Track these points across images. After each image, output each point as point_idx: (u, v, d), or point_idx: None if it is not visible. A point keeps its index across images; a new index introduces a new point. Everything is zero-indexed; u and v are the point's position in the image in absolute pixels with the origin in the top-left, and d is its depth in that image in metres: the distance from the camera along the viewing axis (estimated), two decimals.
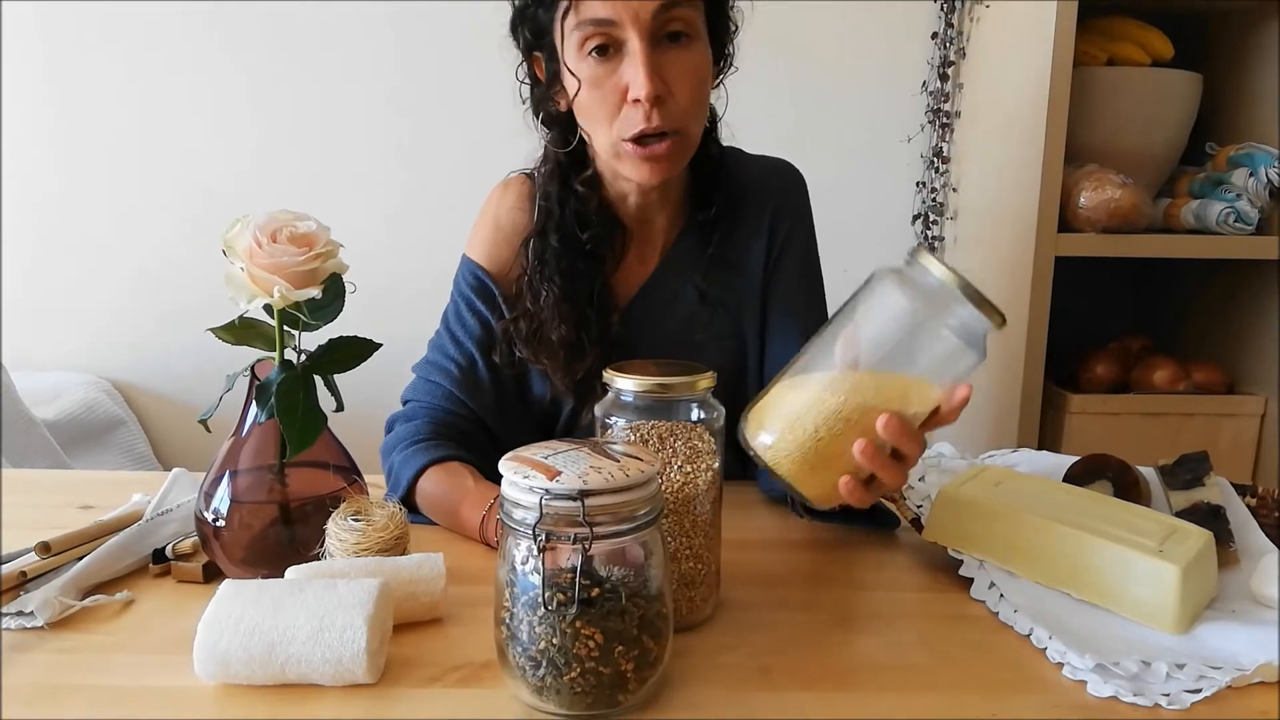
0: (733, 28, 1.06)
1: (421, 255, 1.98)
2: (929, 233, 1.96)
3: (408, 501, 0.99)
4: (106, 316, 2.05)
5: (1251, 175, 1.58)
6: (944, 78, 1.88)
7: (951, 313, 0.72)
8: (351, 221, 1.97)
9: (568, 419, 1.11)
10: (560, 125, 1.05)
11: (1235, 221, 1.57)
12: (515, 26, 1.02)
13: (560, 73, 0.99)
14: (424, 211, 2.01)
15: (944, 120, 1.89)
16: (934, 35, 1.89)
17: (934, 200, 1.94)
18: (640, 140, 0.96)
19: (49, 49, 1.96)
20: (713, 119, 1.09)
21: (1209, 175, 1.67)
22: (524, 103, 1.07)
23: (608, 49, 0.94)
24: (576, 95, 0.98)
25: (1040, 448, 1.63)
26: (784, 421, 0.75)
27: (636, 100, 0.93)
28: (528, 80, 1.06)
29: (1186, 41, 1.70)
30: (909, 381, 0.75)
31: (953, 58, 1.86)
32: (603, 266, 1.09)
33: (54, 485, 1.14)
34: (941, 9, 1.86)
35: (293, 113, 1.98)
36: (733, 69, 1.08)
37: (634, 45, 0.92)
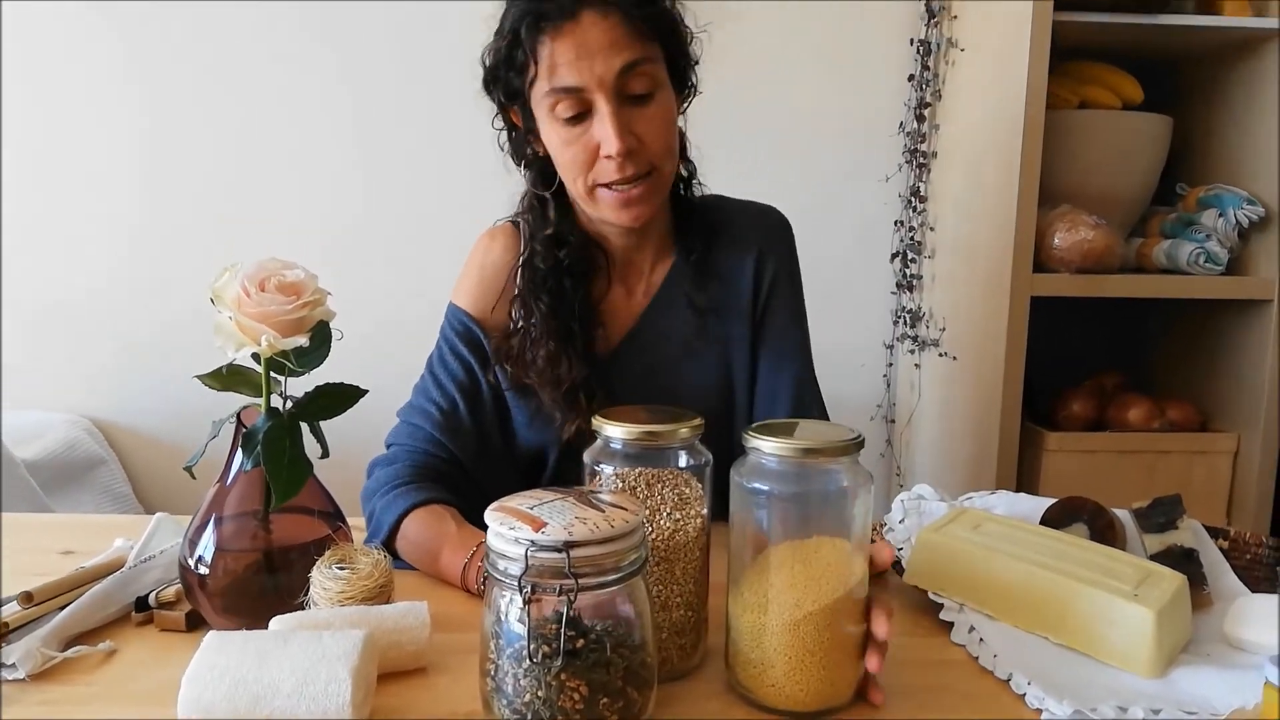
0: (695, 61, 1.10)
1: (403, 297, 1.99)
2: (907, 270, 1.99)
3: (389, 546, 0.99)
4: (86, 354, 2.04)
5: (1221, 216, 1.62)
6: (920, 119, 1.92)
7: (812, 476, 0.71)
8: (331, 261, 1.99)
9: (554, 468, 1.13)
10: (539, 168, 1.10)
11: (1205, 262, 1.60)
12: (489, 86, 1.07)
13: (535, 126, 1.04)
14: (400, 253, 2.02)
15: (921, 160, 1.93)
16: (910, 78, 1.93)
17: (912, 239, 1.97)
18: (614, 186, 1.01)
19: (28, 81, 1.96)
20: (683, 144, 1.13)
21: (1179, 215, 1.70)
22: (503, 148, 1.12)
23: (579, 114, 0.99)
24: (555, 154, 1.03)
25: (1018, 485, 1.66)
26: (781, 667, 0.70)
27: (608, 156, 0.98)
28: (504, 127, 1.11)
29: (1156, 85, 1.74)
30: (835, 546, 0.71)
31: (929, 100, 1.90)
32: (584, 283, 1.12)
33: (34, 529, 1.14)
34: (918, 52, 1.90)
35: (274, 152, 1.99)
36: (698, 93, 1.12)
37: (602, 107, 0.98)
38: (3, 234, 1.99)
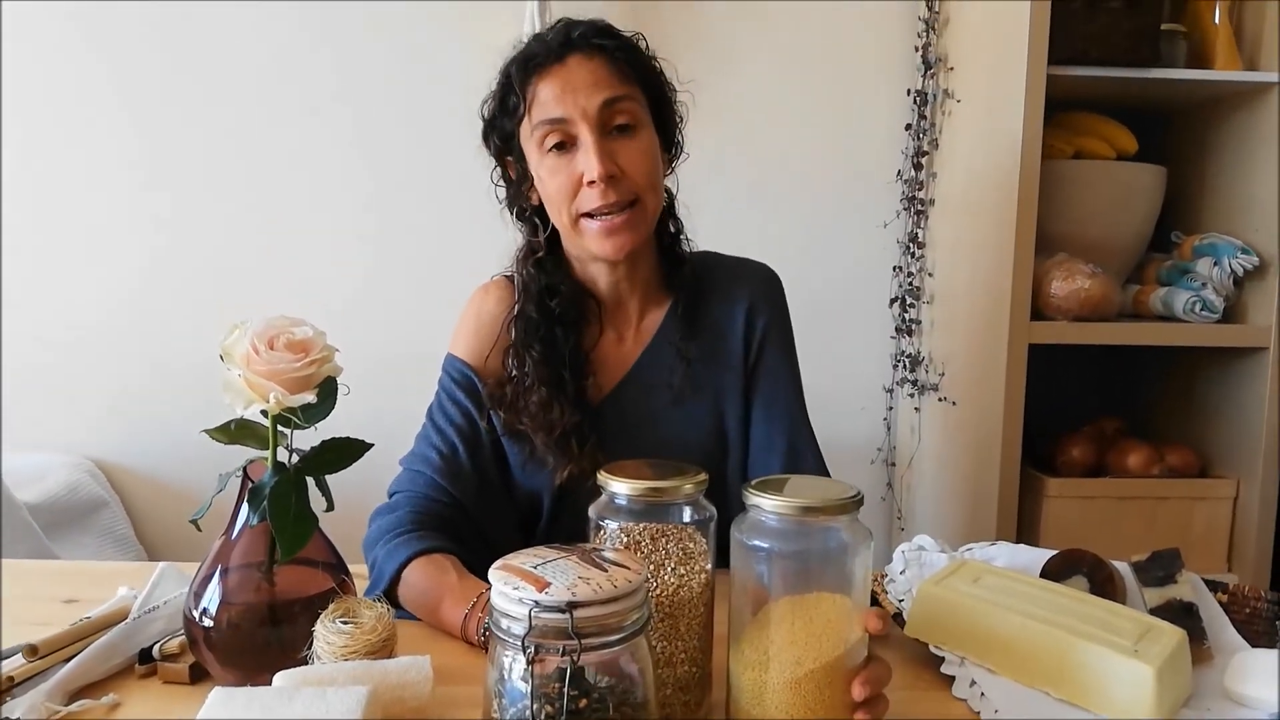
0: (679, 119, 1.17)
1: (406, 349, 2.00)
2: (906, 315, 2.00)
3: (390, 595, 1.00)
4: (89, 395, 2.04)
5: (1216, 264, 1.63)
6: (918, 167, 1.94)
7: (812, 534, 0.72)
8: (333, 306, 2.01)
9: (550, 512, 1.14)
10: (533, 218, 1.16)
11: (1201, 310, 1.62)
12: (486, 136, 1.15)
13: (528, 170, 1.10)
14: (403, 306, 2.04)
15: (919, 207, 1.95)
16: (907, 127, 1.96)
17: (910, 284, 1.99)
18: (598, 214, 1.06)
19: (29, 127, 1.98)
20: (670, 199, 1.18)
21: (1175, 263, 1.72)
22: (500, 202, 1.18)
23: (564, 144, 1.05)
24: (543, 187, 1.09)
25: (1019, 530, 1.66)
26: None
27: (592, 182, 1.04)
28: (502, 183, 1.18)
29: (1149, 134, 1.77)
30: (835, 603, 0.72)
31: (926, 148, 1.93)
32: (575, 331, 1.16)
33: (37, 577, 1.14)
34: (915, 103, 1.93)
35: (283, 200, 2.01)
36: (684, 156, 1.20)
37: (585, 137, 1.04)
38: (4, 272, 2.00)
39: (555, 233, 1.14)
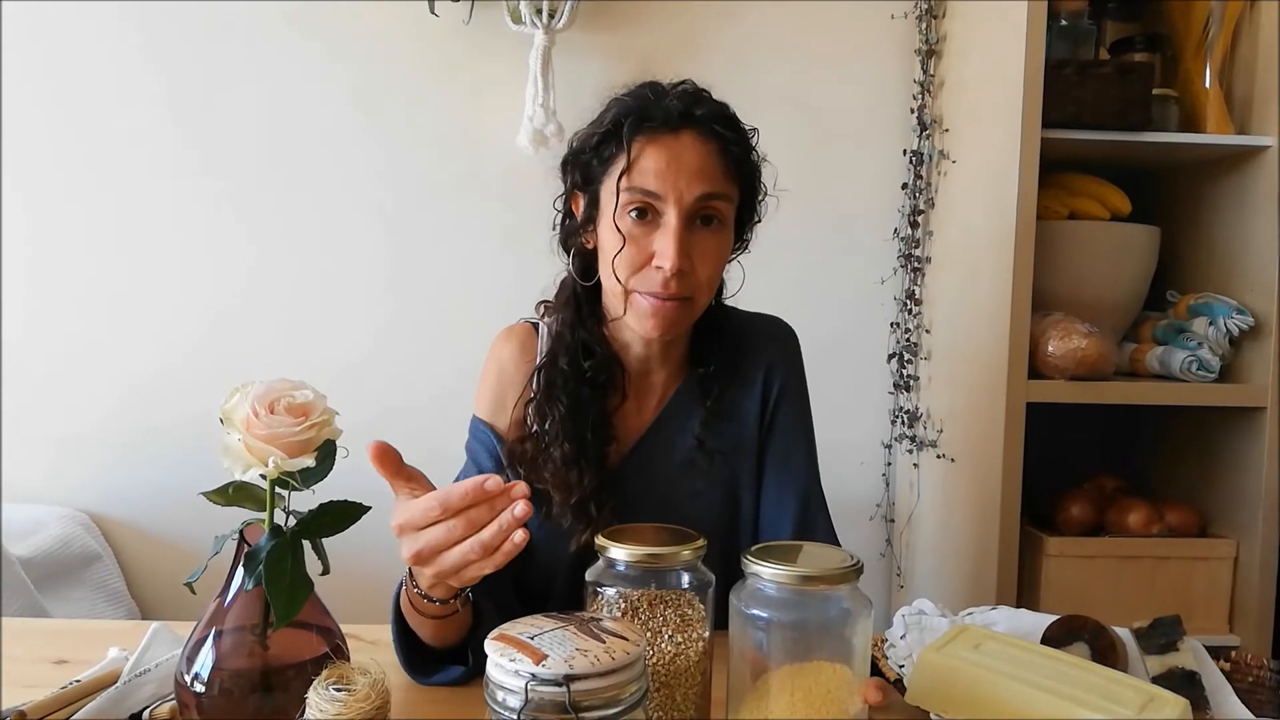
0: (757, 219, 1.15)
1: (408, 383, 2.00)
2: (904, 371, 2.01)
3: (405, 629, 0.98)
4: (86, 447, 2.04)
5: (1211, 324, 1.64)
6: (914, 225, 1.96)
7: (812, 603, 0.73)
8: (338, 348, 2.01)
9: (563, 594, 1.12)
10: (584, 259, 1.14)
11: (1198, 369, 1.62)
12: (567, 164, 1.12)
13: (595, 217, 1.07)
14: (413, 342, 2.04)
15: (915, 265, 1.97)
16: (904, 186, 1.98)
17: (908, 340, 2.00)
18: (651, 296, 1.04)
19: (27, 166, 1.99)
20: (720, 289, 1.16)
21: (1171, 322, 1.73)
22: (554, 229, 1.17)
23: (646, 214, 1.03)
24: (604, 239, 1.06)
25: (1019, 590, 1.65)
26: None
27: (660, 267, 1.01)
28: (562, 211, 1.15)
29: (1143, 194, 1.79)
30: (835, 672, 0.73)
31: (922, 207, 1.95)
32: (603, 395, 1.13)
33: (26, 636, 1.12)
34: (910, 163, 1.96)
35: (281, 247, 2.02)
36: (746, 251, 1.17)
37: (670, 219, 1.01)
38: (5, 322, 2.01)
39: (598, 282, 1.12)
